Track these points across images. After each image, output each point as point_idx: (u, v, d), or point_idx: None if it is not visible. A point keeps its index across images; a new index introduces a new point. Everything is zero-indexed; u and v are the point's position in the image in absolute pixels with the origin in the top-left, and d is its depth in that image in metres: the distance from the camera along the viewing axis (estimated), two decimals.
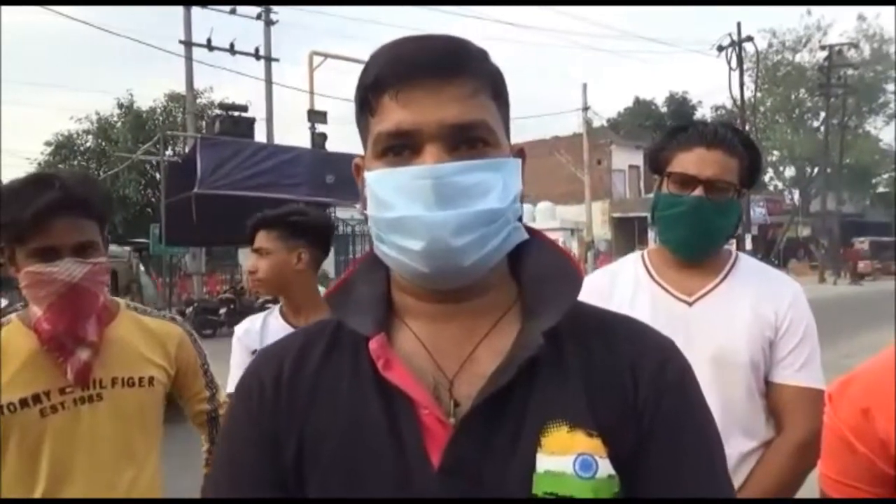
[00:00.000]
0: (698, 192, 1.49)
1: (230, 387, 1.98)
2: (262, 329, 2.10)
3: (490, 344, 0.76)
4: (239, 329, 2.17)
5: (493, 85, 0.77)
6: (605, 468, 0.70)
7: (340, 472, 0.73)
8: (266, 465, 0.76)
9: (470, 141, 0.74)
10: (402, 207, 0.72)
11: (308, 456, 0.74)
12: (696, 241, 1.54)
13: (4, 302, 4.16)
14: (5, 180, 1.55)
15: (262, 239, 2.07)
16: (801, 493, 1.47)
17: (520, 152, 0.81)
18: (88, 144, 26.71)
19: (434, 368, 0.75)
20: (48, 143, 26.26)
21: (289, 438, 0.75)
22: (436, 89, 0.72)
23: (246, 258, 2.17)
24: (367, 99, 0.76)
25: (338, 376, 0.77)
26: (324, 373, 0.78)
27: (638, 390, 0.74)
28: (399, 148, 0.74)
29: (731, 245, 1.75)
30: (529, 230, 0.81)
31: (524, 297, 0.79)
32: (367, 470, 0.72)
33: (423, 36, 0.76)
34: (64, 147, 26.22)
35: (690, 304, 1.55)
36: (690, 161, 1.51)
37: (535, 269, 0.80)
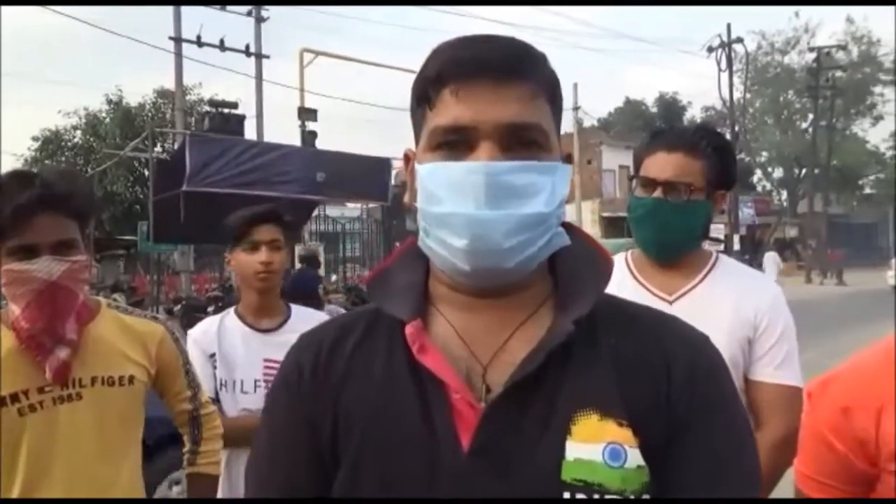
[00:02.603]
0: (658, 193, 1.54)
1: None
2: (220, 331, 2.07)
3: (523, 334, 0.77)
4: (195, 332, 2.11)
5: (551, 90, 0.79)
6: (635, 458, 0.70)
7: (372, 451, 0.74)
8: (306, 449, 0.77)
9: (524, 142, 0.75)
10: (451, 203, 0.73)
11: (342, 435, 0.76)
12: (659, 239, 1.58)
13: None
14: None
15: (274, 231, 2.04)
16: (777, 491, 1.49)
17: (568, 157, 0.81)
18: (76, 140, 26.48)
19: (468, 355, 0.77)
20: (35, 139, 26.02)
21: (324, 420, 0.77)
22: (496, 88, 0.73)
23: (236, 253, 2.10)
24: (427, 92, 0.77)
25: (372, 358, 0.79)
26: (358, 356, 0.80)
27: (671, 382, 0.75)
28: (454, 143, 0.75)
29: (720, 246, 1.77)
30: (568, 227, 0.82)
31: (558, 291, 0.81)
32: (398, 450, 0.73)
33: (488, 36, 0.77)
34: (51, 143, 25.98)
35: (671, 303, 1.57)
36: (652, 164, 1.57)
37: (570, 264, 0.81)
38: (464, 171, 0.73)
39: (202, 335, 2.08)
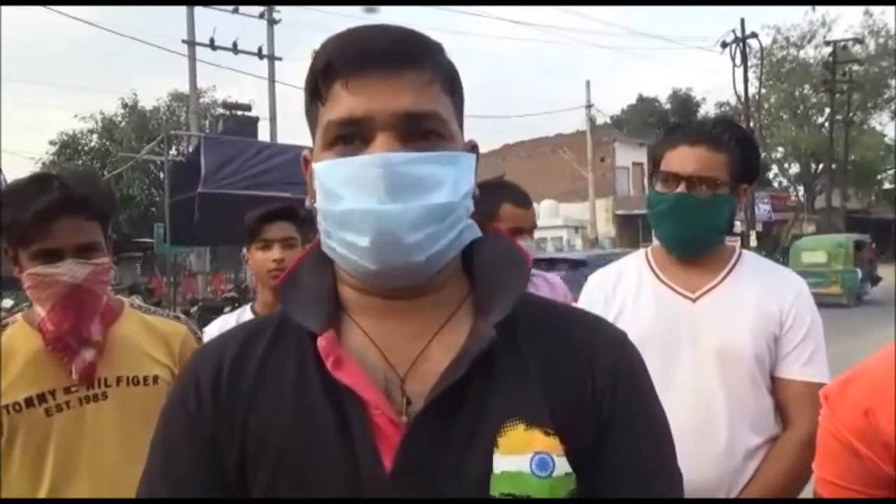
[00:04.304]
0: (681, 188, 1.52)
1: None
2: None
3: (442, 340, 0.74)
4: (212, 330, 2.11)
5: (448, 78, 0.76)
6: (562, 466, 0.69)
7: (287, 475, 0.69)
8: (205, 472, 0.72)
9: (423, 133, 0.72)
10: (350, 199, 0.70)
11: (251, 459, 0.71)
12: (682, 236, 1.56)
13: (10, 302, 4.14)
14: (10, 181, 1.54)
15: (287, 229, 2.04)
16: (806, 490, 1.47)
17: (473, 148, 0.79)
18: (93, 144, 26.79)
19: (385, 366, 0.73)
20: (53, 143, 26.36)
21: (230, 441, 0.72)
22: (389, 77, 0.70)
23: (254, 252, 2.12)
24: (317, 86, 0.73)
25: (282, 373, 0.74)
26: (267, 369, 0.74)
27: (595, 383, 0.74)
28: (349, 137, 0.71)
29: (736, 242, 1.76)
30: (482, 226, 0.80)
31: (476, 293, 0.78)
32: (315, 473, 0.69)
33: (378, 25, 0.75)
34: (68, 146, 26.31)
35: (694, 301, 1.55)
36: (674, 158, 1.54)
37: (488, 264, 0.78)
38: (361, 165, 0.69)
39: (218, 333, 2.07)
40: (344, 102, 0.71)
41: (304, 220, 2.12)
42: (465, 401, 0.70)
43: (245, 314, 2.13)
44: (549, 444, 0.69)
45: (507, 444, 0.69)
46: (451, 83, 0.76)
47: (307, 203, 0.79)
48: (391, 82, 0.70)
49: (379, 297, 0.75)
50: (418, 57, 0.73)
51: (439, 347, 0.73)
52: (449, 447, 0.69)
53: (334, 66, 0.71)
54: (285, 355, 0.75)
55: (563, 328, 0.78)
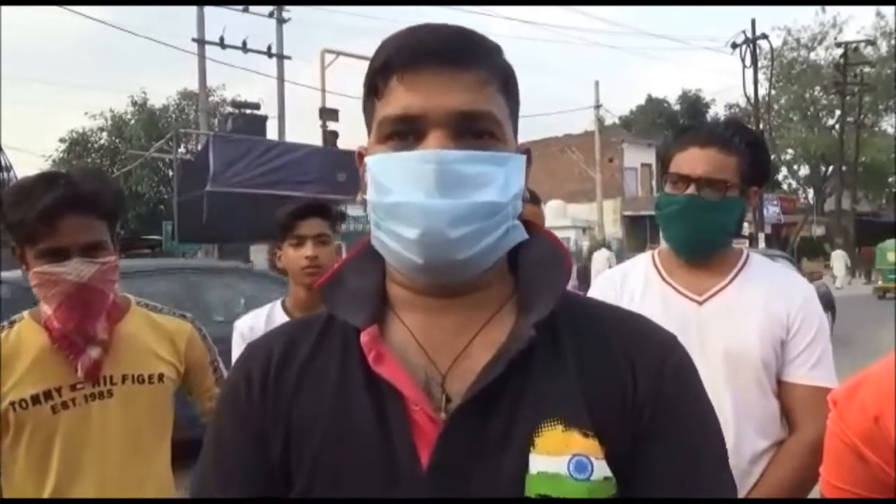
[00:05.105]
0: (691, 190, 1.51)
1: None
2: (267, 325, 2.05)
3: (484, 338, 0.74)
4: (242, 325, 2.11)
5: (504, 80, 0.76)
6: (601, 470, 0.68)
7: (325, 468, 0.71)
8: (254, 465, 0.74)
9: (476, 132, 0.72)
10: (400, 192, 0.71)
11: (293, 451, 0.73)
12: (692, 238, 1.55)
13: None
14: (19, 178, 1.55)
15: (320, 225, 2.03)
16: (813, 494, 1.46)
17: (526, 152, 0.79)
18: (102, 142, 26.94)
19: (426, 363, 0.73)
20: (62, 140, 26.52)
21: (275, 434, 0.74)
22: (445, 76, 0.71)
23: (293, 248, 2.06)
24: (375, 82, 0.74)
25: (325, 369, 0.75)
26: (311, 365, 0.76)
27: (637, 385, 0.72)
28: (404, 133, 0.72)
29: (744, 244, 1.74)
30: (529, 227, 0.80)
31: (519, 292, 0.78)
32: (353, 467, 0.70)
33: (438, 24, 0.75)
34: (78, 144, 26.47)
35: (700, 304, 1.54)
36: (684, 160, 1.53)
37: (532, 264, 0.79)
38: (413, 160, 0.70)
39: (249, 330, 2.07)
40: (400, 99, 0.72)
41: (336, 216, 2.10)
42: (502, 399, 0.70)
43: (276, 310, 2.13)
44: (587, 446, 0.68)
45: (544, 444, 0.68)
46: (507, 85, 0.76)
47: (358, 196, 0.80)
48: (447, 80, 0.71)
49: (426, 296, 0.76)
50: (475, 57, 0.73)
51: (481, 346, 0.74)
52: (485, 445, 0.69)
53: (392, 62, 0.73)
54: (329, 352, 0.77)
55: (605, 328, 0.77)
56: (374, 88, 0.75)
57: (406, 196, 0.70)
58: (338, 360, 0.75)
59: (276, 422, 0.74)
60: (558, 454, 0.68)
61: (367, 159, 0.76)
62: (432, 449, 0.68)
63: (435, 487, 0.68)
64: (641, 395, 0.72)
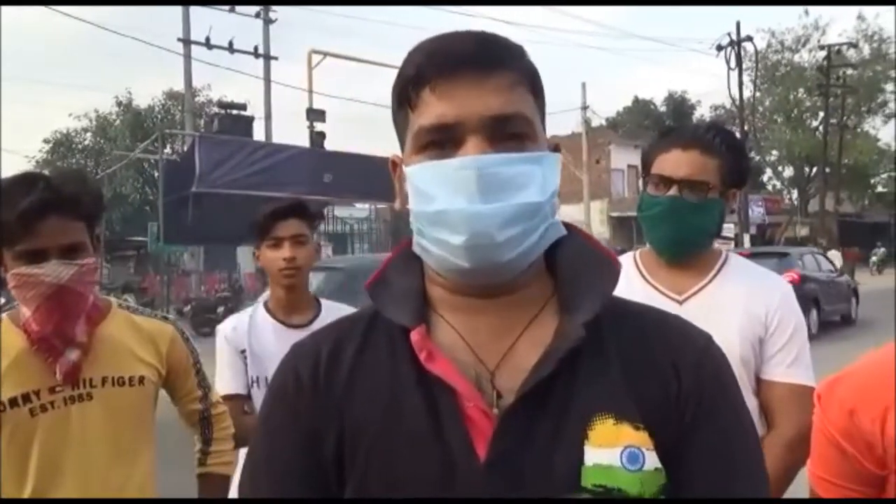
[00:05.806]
0: (673, 191, 1.53)
1: (219, 387, 1.96)
2: (250, 327, 2.05)
3: (529, 337, 0.76)
4: (225, 327, 2.11)
5: (531, 79, 0.78)
6: (652, 461, 0.70)
7: (381, 465, 0.72)
8: (307, 463, 0.75)
9: (510, 135, 0.74)
10: (443, 200, 0.72)
11: (348, 449, 0.74)
12: (675, 239, 1.57)
13: (1, 300, 4.11)
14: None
15: (297, 226, 2.02)
16: (792, 490, 1.48)
17: (556, 147, 0.80)
18: (87, 142, 26.72)
19: (475, 361, 0.75)
20: (46, 141, 26.28)
21: (328, 432, 0.75)
22: (476, 82, 0.73)
23: (259, 251, 2.09)
24: (407, 93, 0.76)
25: (375, 366, 0.77)
26: (361, 365, 0.78)
27: (681, 383, 0.75)
28: (441, 142, 0.74)
29: (730, 244, 1.77)
30: (566, 225, 0.82)
31: (560, 291, 0.79)
32: (409, 463, 0.71)
33: (462, 31, 0.77)
34: (62, 145, 26.25)
35: (681, 303, 1.56)
36: (667, 162, 1.55)
37: (572, 263, 0.80)
38: (454, 168, 0.72)
39: (232, 332, 2.06)
40: (434, 108, 0.74)
41: (314, 216, 2.10)
42: (553, 395, 0.72)
43: (259, 310, 2.12)
44: (638, 438, 0.70)
45: (597, 437, 0.70)
46: (533, 84, 0.78)
47: (396, 204, 0.82)
48: (478, 87, 0.73)
49: (467, 296, 0.78)
50: (503, 60, 0.75)
51: (526, 344, 0.75)
52: (539, 439, 0.71)
53: (423, 73, 0.74)
54: (378, 350, 0.78)
55: (646, 327, 0.79)
56: (406, 100, 0.76)
57: (449, 203, 0.72)
58: (386, 359, 0.77)
59: (328, 421, 0.75)
60: (611, 446, 0.70)
61: (406, 170, 0.77)
62: (489, 443, 0.70)
63: (491, 480, 0.69)
64: (684, 392, 0.74)
